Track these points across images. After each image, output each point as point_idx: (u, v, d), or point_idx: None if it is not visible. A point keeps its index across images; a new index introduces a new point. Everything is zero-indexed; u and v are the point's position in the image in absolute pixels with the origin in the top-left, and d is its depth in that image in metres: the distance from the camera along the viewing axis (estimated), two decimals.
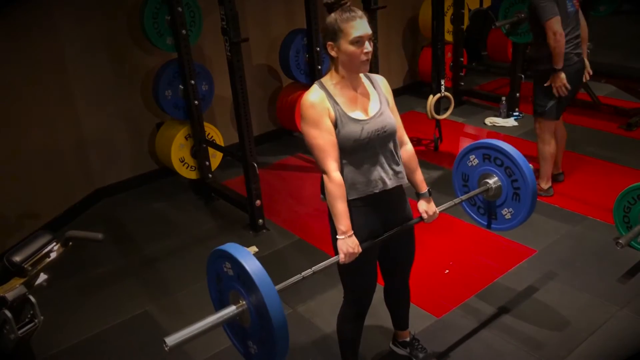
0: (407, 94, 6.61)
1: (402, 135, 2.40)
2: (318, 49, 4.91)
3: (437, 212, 2.47)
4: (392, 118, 2.28)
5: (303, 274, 2.15)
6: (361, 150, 2.18)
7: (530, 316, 3.04)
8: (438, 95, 4.95)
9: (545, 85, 3.92)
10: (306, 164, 5.18)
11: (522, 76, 5.77)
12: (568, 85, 3.86)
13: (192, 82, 4.28)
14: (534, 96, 4.06)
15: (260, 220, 4.02)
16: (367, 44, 2.09)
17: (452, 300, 3.20)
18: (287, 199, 4.60)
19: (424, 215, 2.44)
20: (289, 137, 5.70)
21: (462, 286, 3.33)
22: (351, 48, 2.08)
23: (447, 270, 3.48)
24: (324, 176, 2.17)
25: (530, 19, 3.94)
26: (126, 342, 3.13)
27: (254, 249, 3.81)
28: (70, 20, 4.26)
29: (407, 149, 2.42)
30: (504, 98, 5.73)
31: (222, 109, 5.16)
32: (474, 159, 2.81)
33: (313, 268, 2.16)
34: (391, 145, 2.27)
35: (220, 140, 4.70)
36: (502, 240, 3.66)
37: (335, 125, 2.15)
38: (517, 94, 5.78)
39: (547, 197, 4.17)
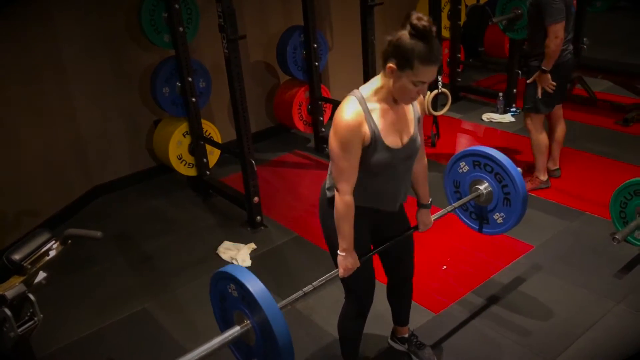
0: None
1: (421, 151, 2.38)
2: (315, 45, 4.92)
3: (432, 222, 2.56)
4: (419, 141, 2.25)
5: (304, 289, 2.20)
6: (385, 172, 2.18)
7: (527, 312, 3.06)
8: (435, 91, 4.96)
9: (528, 81, 3.96)
10: (304, 161, 5.19)
11: (519, 72, 5.77)
12: (553, 84, 3.88)
13: (190, 79, 4.28)
14: (526, 91, 4.07)
15: (259, 217, 4.03)
16: (425, 87, 2.01)
17: (450, 296, 3.22)
18: (285, 195, 4.61)
19: (421, 226, 2.53)
20: (286, 133, 5.70)
21: (460, 282, 3.34)
22: (410, 86, 1.99)
23: (445, 267, 3.49)
24: (336, 193, 2.14)
25: (531, 15, 3.90)
26: (125, 339, 3.14)
27: (252, 246, 3.82)
28: (68, 18, 4.25)
29: (423, 163, 2.44)
30: (501, 94, 5.74)
31: (219, 105, 5.15)
32: (464, 166, 2.87)
33: (314, 283, 2.22)
34: (411, 165, 2.29)
35: (217, 137, 4.70)
36: (499, 236, 3.62)
37: (369, 145, 2.08)
38: (514, 90, 5.78)
39: (545, 193, 4.19)
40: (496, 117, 5.67)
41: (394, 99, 2.10)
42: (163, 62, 4.38)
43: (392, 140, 2.12)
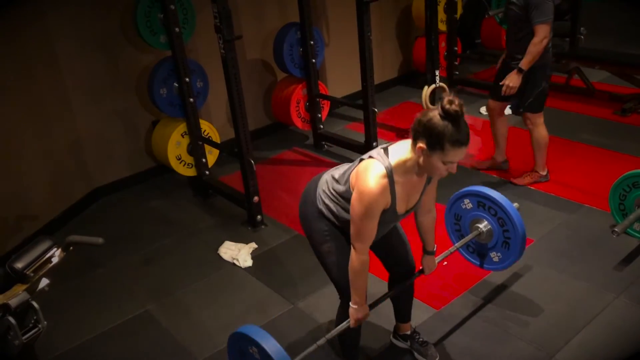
0: (402, 84, 6.60)
1: (432, 205, 2.49)
2: (312, 42, 4.91)
3: (436, 264, 2.69)
4: (418, 203, 2.35)
5: (318, 343, 2.33)
6: (382, 225, 2.26)
7: (528, 306, 3.08)
8: (433, 86, 4.96)
9: (501, 83, 3.91)
10: (303, 158, 5.19)
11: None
12: (515, 88, 3.87)
13: (187, 79, 4.27)
14: (521, 94, 3.97)
15: (259, 217, 4.04)
16: (455, 165, 2.07)
17: (451, 292, 3.23)
18: (285, 193, 4.61)
19: (426, 270, 2.66)
20: (285, 131, 5.70)
21: (461, 278, 3.35)
22: (440, 165, 2.05)
23: (446, 263, 3.49)
24: (353, 250, 2.22)
25: (515, 14, 3.77)
26: (129, 342, 3.15)
27: (252, 245, 3.83)
28: (64, 19, 4.24)
29: (432, 216, 2.54)
30: None
31: (217, 104, 5.15)
32: (468, 203, 2.97)
33: (327, 336, 2.36)
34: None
35: (216, 137, 4.70)
36: None
37: (384, 210, 2.18)
38: None
39: (544, 186, 4.20)
40: None
41: (419, 172, 2.17)
42: (159, 63, 4.38)
43: (400, 207, 2.23)
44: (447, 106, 1.96)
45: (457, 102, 1.96)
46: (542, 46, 3.69)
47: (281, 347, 2.09)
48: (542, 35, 3.65)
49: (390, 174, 2.11)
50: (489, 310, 3.08)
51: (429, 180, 2.30)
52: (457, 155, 2.02)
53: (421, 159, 2.07)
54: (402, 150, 2.15)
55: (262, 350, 2.10)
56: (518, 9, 3.75)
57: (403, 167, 2.13)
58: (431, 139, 2.00)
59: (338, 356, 2.78)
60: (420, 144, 2.03)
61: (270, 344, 2.10)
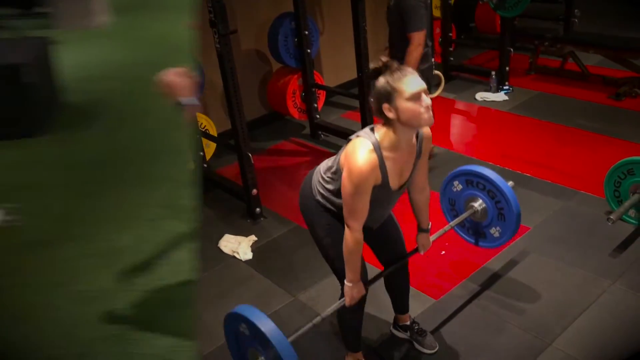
0: None
1: (425, 182, 2.49)
2: (306, 32, 4.90)
3: (431, 243, 2.70)
4: (412, 178, 2.37)
5: (314, 321, 2.37)
6: (377, 203, 2.27)
7: (526, 294, 3.12)
8: None
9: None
10: (300, 148, 5.21)
11: (511, 49, 5.79)
12: None
13: None
14: None
15: (258, 209, 4.06)
16: (424, 97, 2.07)
17: (450, 281, 3.27)
18: (283, 185, 4.63)
19: (421, 249, 2.67)
20: (281, 121, 5.71)
21: (459, 267, 3.39)
22: (409, 105, 2.05)
23: (443, 252, 3.54)
24: (347, 228, 2.23)
25: (392, 20, 3.80)
26: None
27: (252, 238, 3.85)
28: None
29: (425, 194, 2.54)
30: (493, 72, 5.73)
31: (213, 95, 5.14)
32: (457, 185, 3.00)
33: (322, 314, 2.40)
34: (401, 195, 2.40)
35: (213, 130, 4.70)
36: None
37: (377, 185, 2.19)
38: (507, 68, 5.79)
39: (540, 173, 4.22)
40: (490, 96, 5.67)
41: (404, 140, 2.17)
42: None
43: (394, 182, 2.24)
44: (375, 66, 2.10)
45: (384, 59, 2.09)
46: (418, 53, 3.70)
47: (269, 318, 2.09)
48: (415, 43, 3.68)
49: (377, 147, 2.13)
50: (486, 298, 3.13)
51: (419, 155, 2.31)
52: (409, 84, 2.05)
53: (399, 118, 2.09)
54: (380, 129, 2.19)
55: (250, 324, 2.10)
56: (389, 12, 3.80)
57: (388, 139, 2.15)
58: (383, 95, 2.08)
59: (341, 348, 2.81)
60: (384, 106, 2.09)
61: (258, 316, 2.09)
